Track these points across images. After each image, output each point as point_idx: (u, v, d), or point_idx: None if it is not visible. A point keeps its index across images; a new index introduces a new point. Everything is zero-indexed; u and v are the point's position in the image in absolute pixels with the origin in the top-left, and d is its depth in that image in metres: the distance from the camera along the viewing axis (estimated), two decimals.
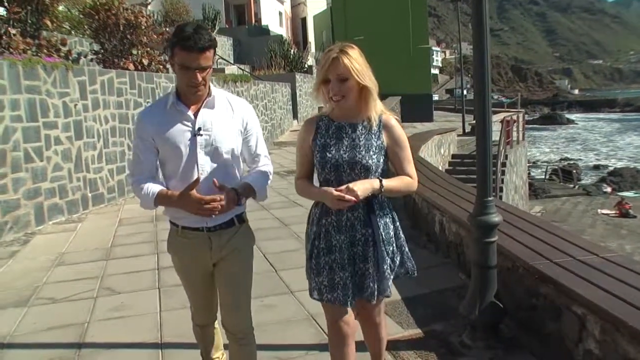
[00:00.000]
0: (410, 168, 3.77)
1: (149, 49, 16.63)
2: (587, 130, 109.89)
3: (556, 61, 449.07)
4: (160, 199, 3.62)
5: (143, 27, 16.15)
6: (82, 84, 11.73)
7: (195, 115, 3.62)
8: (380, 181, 3.58)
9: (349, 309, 3.77)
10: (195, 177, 3.53)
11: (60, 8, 15.57)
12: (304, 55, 42.51)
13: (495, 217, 5.01)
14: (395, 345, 5.13)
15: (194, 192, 3.44)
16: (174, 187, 3.64)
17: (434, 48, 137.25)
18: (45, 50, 11.92)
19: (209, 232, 3.70)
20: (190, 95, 3.57)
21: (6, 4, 11.69)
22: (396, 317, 5.81)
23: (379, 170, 3.68)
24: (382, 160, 3.69)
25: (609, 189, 41.88)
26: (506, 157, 24.90)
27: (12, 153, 9.70)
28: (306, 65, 39.14)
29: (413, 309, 5.97)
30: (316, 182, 3.83)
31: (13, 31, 11.39)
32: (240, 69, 30.57)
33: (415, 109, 37.22)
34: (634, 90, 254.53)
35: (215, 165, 3.65)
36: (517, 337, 5.26)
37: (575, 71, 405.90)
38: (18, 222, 9.83)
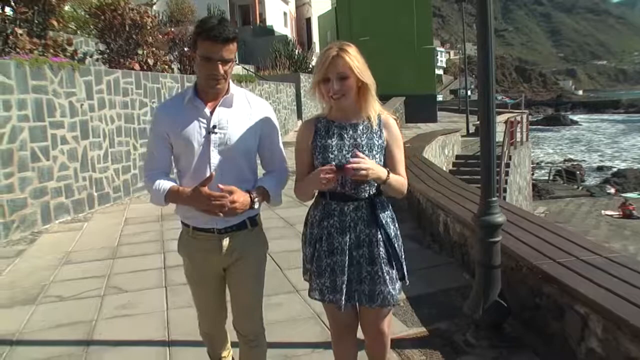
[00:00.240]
0: (403, 170, 3.75)
1: (154, 49, 16.69)
2: (591, 131, 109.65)
3: (560, 62, 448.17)
4: (171, 196, 3.55)
5: (149, 27, 16.22)
6: (88, 83, 11.80)
7: (212, 112, 3.56)
8: (388, 172, 3.57)
9: (350, 310, 3.77)
10: (208, 174, 3.43)
11: (66, 8, 15.61)
12: (309, 55, 42.54)
13: (499, 217, 5.07)
14: (400, 344, 5.19)
15: (205, 188, 3.37)
16: (186, 185, 3.57)
17: (438, 48, 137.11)
18: (51, 50, 11.97)
19: (220, 234, 3.63)
20: (209, 89, 3.52)
21: (13, 4, 11.73)
22: (401, 315, 5.87)
23: None
24: (382, 159, 3.67)
25: (612, 190, 41.83)
26: (510, 158, 24.91)
27: (19, 152, 9.77)
28: (310, 66, 39.15)
29: (418, 308, 6.03)
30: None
31: (20, 31, 11.44)
32: (245, 69, 30.62)
33: (420, 109, 37.25)
34: (639, 92, 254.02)
35: (228, 164, 3.56)
36: (520, 336, 5.31)
37: (580, 72, 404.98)
38: (24, 221, 9.89)
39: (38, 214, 10.25)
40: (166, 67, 16.77)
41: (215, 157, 3.54)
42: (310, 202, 3.89)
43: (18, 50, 11.05)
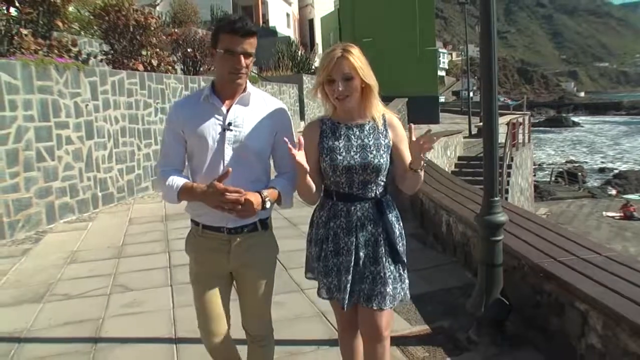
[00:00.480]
0: None
1: (158, 50, 16.75)
2: (593, 133, 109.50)
3: (562, 64, 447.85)
4: (184, 193, 3.51)
5: (153, 28, 16.27)
6: (93, 84, 11.89)
7: (228, 110, 3.55)
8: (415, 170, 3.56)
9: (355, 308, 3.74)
10: (222, 172, 3.41)
11: (70, 9, 15.67)
12: (312, 56, 42.54)
13: (502, 217, 5.15)
14: (403, 341, 5.28)
15: (220, 183, 3.32)
16: (199, 182, 3.52)
17: (440, 50, 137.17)
18: (56, 51, 12.04)
19: (230, 235, 3.59)
20: (230, 84, 3.50)
21: (18, 4, 11.80)
22: (404, 314, 5.95)
23: (387, 168, 3.68)
24: (388, 159, 3.66)
25: (614, 192, 41.82)
26: (512, 159, 24.97)
27: (25, 152, 9.85)
28: (313, 67, 39.17)
29: (421, 306, 6.10)
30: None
31: (25, 32, 11.50)
32: None
33: (422, 110, 37.19)
34: None
35: (241, 163, 3.51)
36: (522, 333, 5.39)
37: (582, 74, 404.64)
38: (30, 220, 9.98)
39: (43, 213, 10.34)
40: (170, 68, 16.84)
41: (229, 155, 3.51)
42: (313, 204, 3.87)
43: (23, 50, 11.11)
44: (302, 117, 31.01)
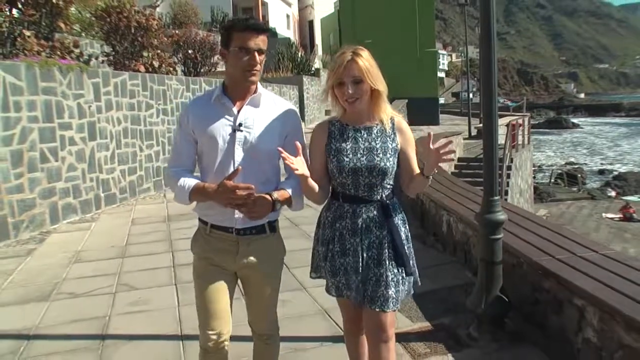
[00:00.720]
0: (417, 165, 3.76)
1: (159, 51, 16.84)
2: (593, 134, 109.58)
3: (562, 65, 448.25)
4: (195, 193, 3.51)
5: (154, 30, 16.35)
6: (96, 85, 11.98)
7: (239, 111, 3.56)
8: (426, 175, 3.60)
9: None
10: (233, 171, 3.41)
11: (71, 10, 15.72)
12: (311, 58, 42.58)
13: (501, 215, 5.26)
14: (405, 337, 5.37)
15: (230, 181, 3.32)
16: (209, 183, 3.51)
17: (440, 51, 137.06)
18: (58, 52, 12.12)
19: (238, 236, 3.59)
20: (244, 82, 3.51)
21: (21, 6, 11.87)
22: (406, 311, 6.05)
23: (394, 172, 3.69)
24: (396, 162, 3.68)
25: (613, 193, 41.90)
26: (511, 160, 25.00)
27: (29, 153, 9.94)
28: (313, 68, 39.23)
29: (422, 304, 6.20)
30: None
31: (27, 33, 11.59)
32: None
33: (422, 112, 37.22)
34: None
35: (252, 164, 3.51)
36: (521, 330, 5.49)
37: (581, 75, 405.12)
38: (34, 220, 10.06)
39: (47, 214, 10.42)
40: (171, 69, 16.92)
41: (239, 156, 3.51)
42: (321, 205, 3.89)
43: (26, 52, 11.20)
44: (302, 119, 31.07)
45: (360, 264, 3.63)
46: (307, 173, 3.44)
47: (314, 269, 3.95)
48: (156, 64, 15.97)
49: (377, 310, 3.61)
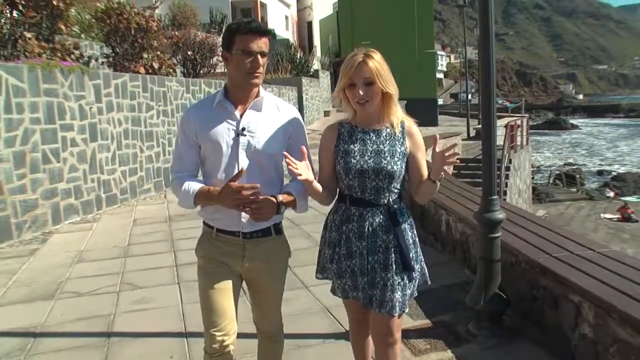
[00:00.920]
0: (426, 170, 3.74)
1: (159, 52, 16.91)
2: (592, 135, 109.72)
3: (561, 66, 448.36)
4: (200, 197, 3.52)
5: (154, 31, 16.42)
6: (97, 87, 12.05)
7: (242, 115, 3.55)
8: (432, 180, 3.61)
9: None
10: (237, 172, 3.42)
11: (71, 12, 15.77)
12: (310, 59, 42.61)
13: (500, 214, 5.36)
14: (406, 334, 5.44)
15: (235, 182, 3.33)
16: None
17: (438, 52, 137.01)
18: (59, 54, 12.20)
19: (245, 240, 3.60)
20: (246, 86, 3.52)
21: (21, 8, 11.94)
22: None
23: (402, 176, 3.69)
24: (404, 166, 3.67)
25: (612, 194, 41.97)
26: (510, 161, 25.10)
27: (31, 154, 10.02)
28: (312, 70, 39.26)
29: (422, 302, 6.28)
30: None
31: (28, 35, 11.66)
32: None
33: (420, 113, 37.14)
34: (639, 96, 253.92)
35: (256, 168, 3.53)
36: (519, 326, 5.61)
37: (580, 76, 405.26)
38: (36, 221, 10.14)
39: (49, 214, 10.50)
40: (170, 70, 16.99)
41: (243, 160, 3.52)
42: (329, 207, 3.92)
43: (27, 54, 11.28)
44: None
45: (366, 267, 3.64)
46: (311, 178, 3.47)
47: (320, 270, 3.95)
48: (156, 65, 16.03)
49: (385, 314, 3.62)
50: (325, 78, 40.94)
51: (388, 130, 3.67)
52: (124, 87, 13.08)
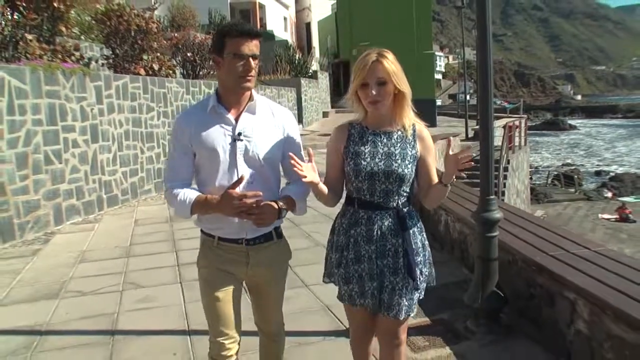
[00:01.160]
0: (436, 178, 3.70)
1: (159, 54, 16.98)
2: (590, 136, 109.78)
3: (559, 67, 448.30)
4: (197, 206, 3.46)
5: (153, 33, 16.49)
6: (98, 88, 12.13)
7: (237, 119, 3.48)
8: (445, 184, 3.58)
9: (372, 315, 3.75)
10: (236, 179, 3.39)
11: (71, 13, 15.84)
12: (309, 60, 42.69)
13: (497, 214, 5.47)
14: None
15: (235, 190, 3.30)
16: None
17: (437, 53, 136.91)
18: (59, 56, 12.28)
19: (248, 246, 3.56)
20: (239, 89, 3.45)
21: (22, 10, 12.00)
22: None
23: (412, 180, 3.65)
24: (414, 170, 3.64)
25: (609, 194, 42.04)
26: (508, 162, 25.18)
27: (33, 155, 10.10)
28: (311, 71, 39.35)
29: (421, 301, 6.34)
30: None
31: (30, 37, 11.74)
32: None
33: (419, 114, 37.32)
34: (637, 97, 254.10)
35: (255, 173, 3.50)
36: (516, 324, 5.73)
37: (578, 77, 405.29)
38: (38, 221, 10.23)
39: (51, 215, 10.59)
40: (170, 72, 17.05)
41: (242, 166, 3.47)
42: (336, 209, 3.88)
43: (28, 55, 11.37)
44: (299, 121, 31.19)
45: (375, 271, 3.59)
46: (317, 180, 3.44)
47: (327, 274, 3.87)
48: (156, 66, 16.10)
49: (392, 318, 3.61)
50: (324, 79, 41.06)
51: (399, 132, 3.64)
52: (125, 89, 13.16)
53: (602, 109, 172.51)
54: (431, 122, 40.77)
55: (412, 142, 3.63)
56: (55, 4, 12.57)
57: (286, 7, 58.49)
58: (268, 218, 3.37)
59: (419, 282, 3.64)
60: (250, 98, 3.54)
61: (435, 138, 24.47)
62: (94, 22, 17.60)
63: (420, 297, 3.77)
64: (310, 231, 9.52)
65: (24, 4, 11.96)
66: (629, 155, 79.69)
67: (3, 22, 11.41)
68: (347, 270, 3.65)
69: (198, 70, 21.96)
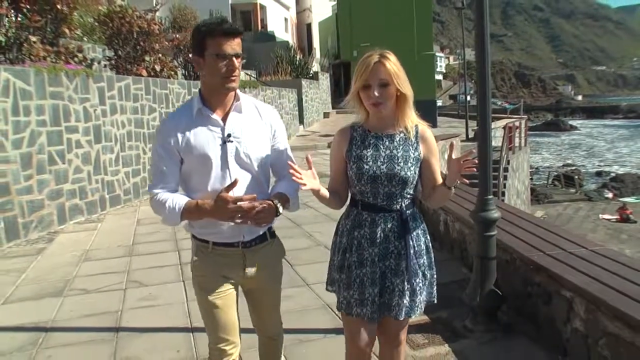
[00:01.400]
0: (440, 176, 3.69)
1: (161, 55, 17.06)
2: (591, 136, 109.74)
3: (560, 67, 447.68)
4: (188, 212, 3.31)
5: (156, 34, 16.57)
6: (101, 90, 12.24)
7: (224, 120, 3.41)
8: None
9: (369, 325, 3.63)
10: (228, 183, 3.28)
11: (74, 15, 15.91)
12: (310, 61, 42.74)
13: (495, 213, 5.56)
14: None
15: (229, 194, 3.20)
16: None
17: (437, 54, 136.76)
18: (63, 57, 12.36)
19: (245, 249, 3.49)
20: (223, 90, 3.36)
21: (26, 12, 12.08)
22: None
23: (415, 182, 3.60)
24: (417, 172, 3.59)
25: (610, 195, 42.04)
26: (508, 162, 25.23)
27: (38, 155, 10.20)
28: (312, 72, 39.41)
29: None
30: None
31: (33, 39, 11.82)
32: (247, 74, 30.79)
33: (420, 115, 37.33)
34: (638, 97, 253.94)
35: (247, 174, 3.43)
36: (513, 322, 5.82)
37: (579, 77, 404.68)
38: (42, 221, 10.32)
39: (54, 214, 10.69)
40: (172, 73, 17.14)
41: (234, 168, 3.39)
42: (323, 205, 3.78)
43: (32, 57, 11.45)
44: (301, 121, 31.23)
45: (377, 274, 3.55)
46: (317, 186, 3.39)
47: (330, 281, 3.82)
48: (158, 68, 16.20)
49: (392, 318, 3.61)
50: (324, 80, 41.12)
51: (402, 134, 3.58)
52: (127, 90, 13.26)
53: (603, 109, 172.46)
54: (432, 123, 40.62)
55: (415, 144, 3.59)
56: (58, 6, 12.64)
57: (287, 8, 58.53)
58: (267, 217, 3.31)
59: (418, 289, 3.63)
60: (236, 98, 3.47)
61: (436, 139, 24.59)
62: (96, 23, 17.67)
63: (423, 300, 3.74)
64: (310, 231, 9.60)
65: (27, 6, 12.03)
66: (630, 155, 79.60)
67: (7, 24, 11.49)
68: (349, 274, 3.59)
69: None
